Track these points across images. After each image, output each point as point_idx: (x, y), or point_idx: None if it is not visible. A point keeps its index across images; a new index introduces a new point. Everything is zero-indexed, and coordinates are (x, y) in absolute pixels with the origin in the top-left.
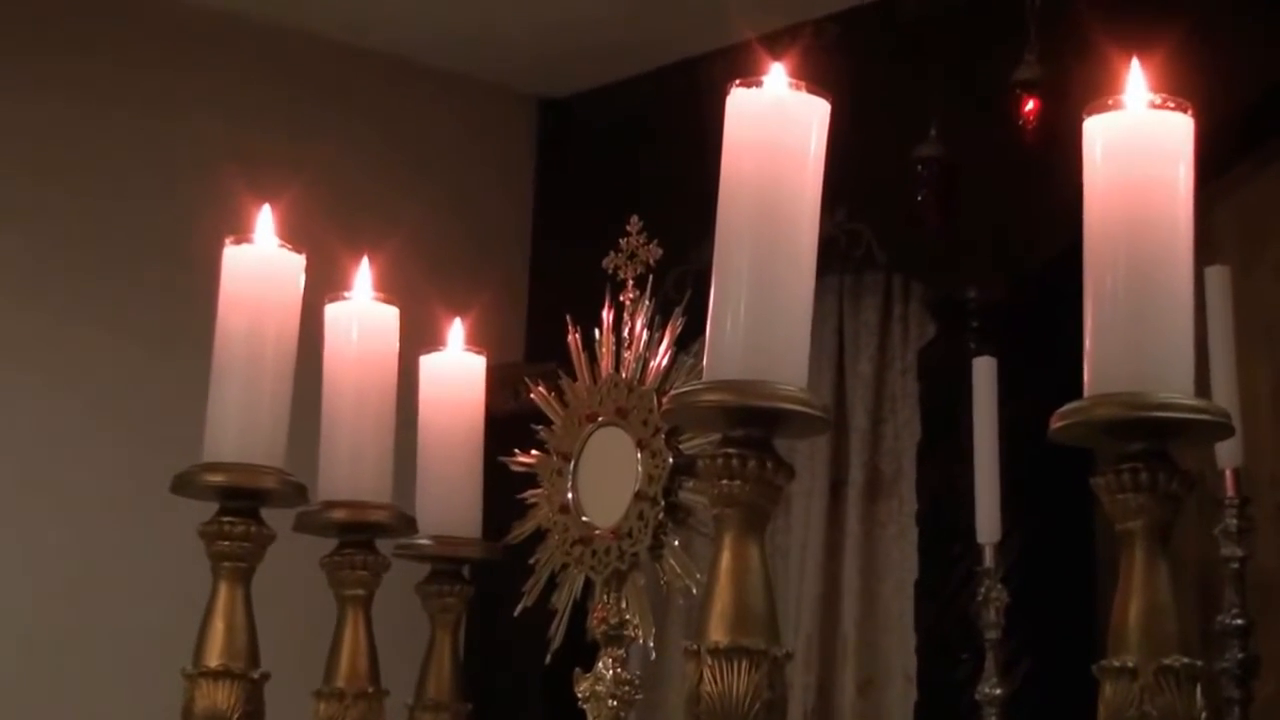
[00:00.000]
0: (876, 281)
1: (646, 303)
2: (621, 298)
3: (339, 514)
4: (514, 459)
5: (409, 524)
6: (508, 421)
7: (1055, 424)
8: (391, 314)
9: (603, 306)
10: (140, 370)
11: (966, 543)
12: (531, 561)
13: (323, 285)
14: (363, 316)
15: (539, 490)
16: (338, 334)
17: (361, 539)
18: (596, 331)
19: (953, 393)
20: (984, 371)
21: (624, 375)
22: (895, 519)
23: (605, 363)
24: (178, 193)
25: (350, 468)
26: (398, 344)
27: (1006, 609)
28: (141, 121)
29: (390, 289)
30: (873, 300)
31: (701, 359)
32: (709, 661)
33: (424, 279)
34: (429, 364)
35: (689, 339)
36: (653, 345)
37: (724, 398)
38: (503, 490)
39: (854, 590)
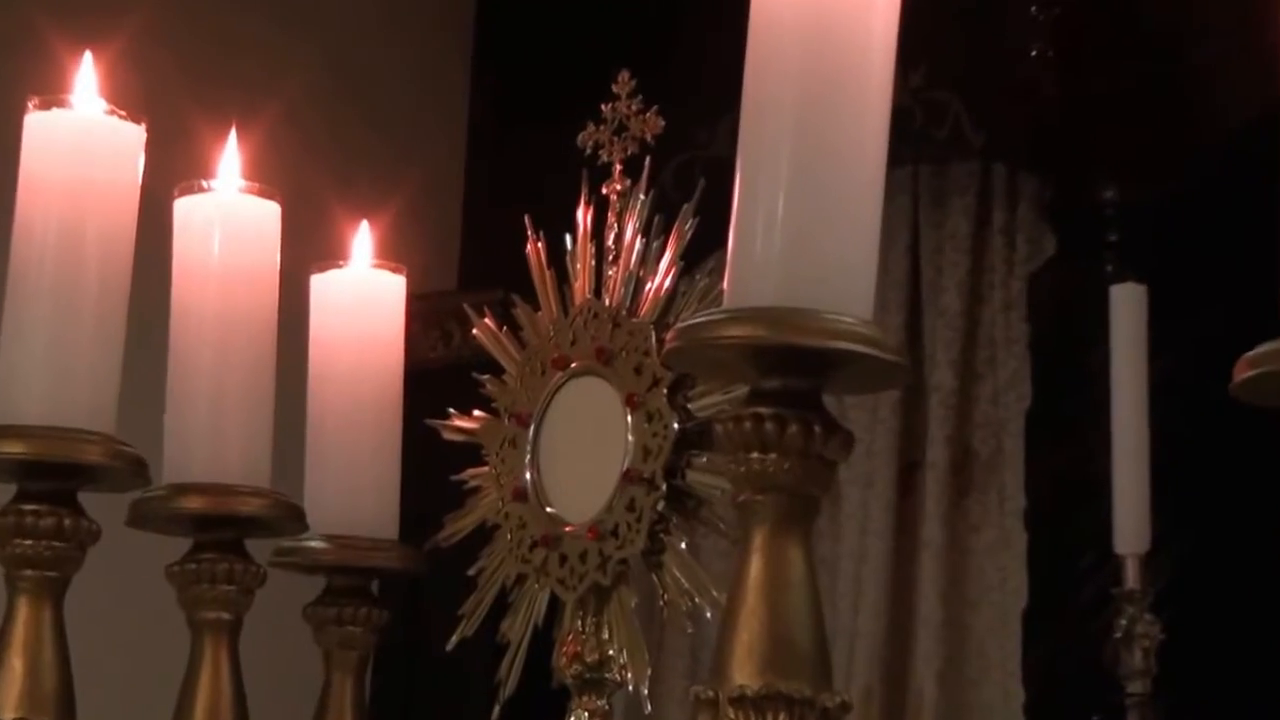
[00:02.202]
0: (969, 175)
1: (642, 198)
2: (605, 190)
3: (194, 502)
4: (448, 423)
5: (295, 518)
6: (439, 372)
7: (1241, 375)
8: (270, 213)
9: (576, 204)
10: None
11: (1099, 554)
12: (472, 573)
13: (172, 171)
14: (229, 216)
15: (483, 469)
16: (193, 241)
17: (226, 539)
18: (568, 239)
19: (1079, 337)
20: (1128, 305)
21: (608, 303)
22: (994, 519)
23: (581, 285)
24: None
25: (210, 436)
26: (279, 256)
27: (1159, 649)
28: None
29: (269, 178)
30: (963, 202)
31: (720, 279)
32: (732, 714)
33: (317, 165)
34: (324, 286)
35: (702, 251)
36: (650, 260)
37: (754, 333)
38: (430, 470)
39: (933, 623)
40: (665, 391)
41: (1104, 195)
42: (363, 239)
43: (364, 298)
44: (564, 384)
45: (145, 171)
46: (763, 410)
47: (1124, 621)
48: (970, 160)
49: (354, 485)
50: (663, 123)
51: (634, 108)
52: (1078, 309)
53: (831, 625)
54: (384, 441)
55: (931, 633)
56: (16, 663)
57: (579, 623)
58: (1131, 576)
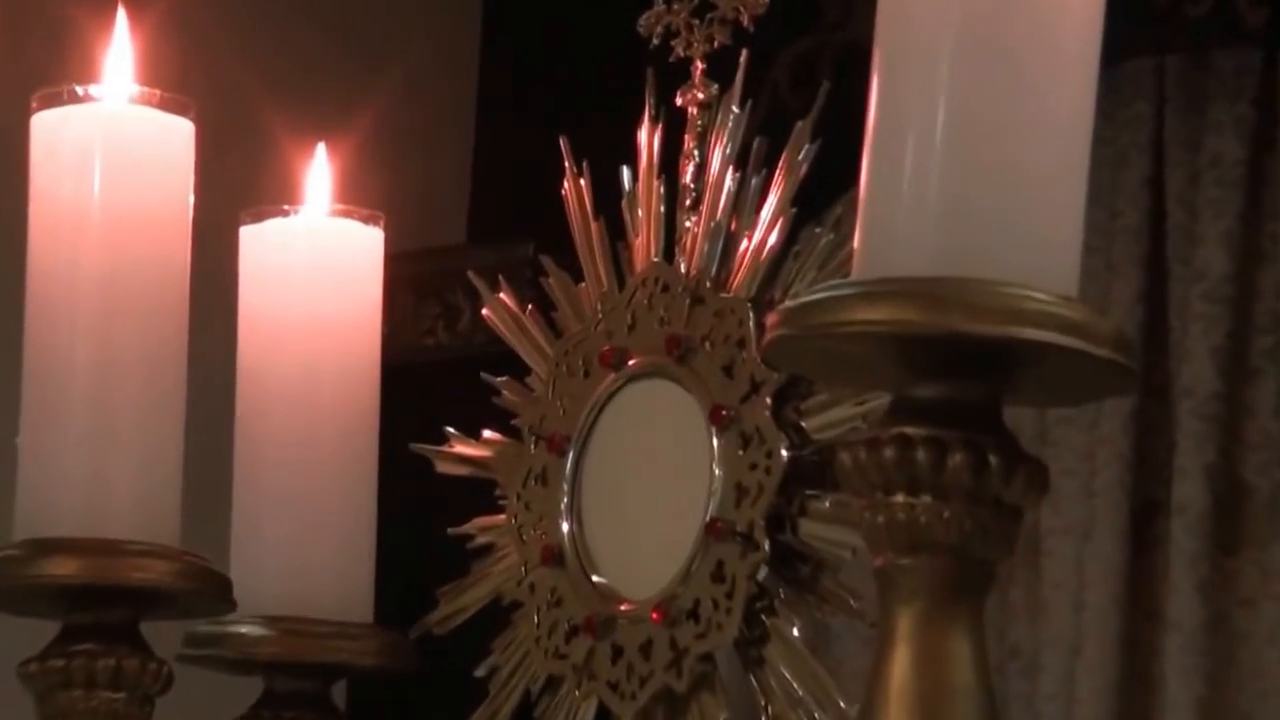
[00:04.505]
0: (1242, 71)
1: (735, 112)
2: (680, 100)
3: (62, 566)
4: (445, 449)
5: (215, 591)
6: (436, 369)
7: None
8: (179, 134)
9: (638, 121)
10: None
11: None
12: (482, 673)
13: (35, 74)
14: (118, 138)
15: (499, 518)
16: (62, 174)
17: (112, 621)
18: (624, 174)
19: None
20: None
21: (686, 269)
22: (1277, 589)
23: (644, 241)
24: None
25: (87, 469)
26: (193, 197)
27: None
28: None
29: (177, 84)
30: (1231, 114)
31: (850, 234)
32: None
33: (248, 65)
34: (260, 242)
35: (826, 192)
36: (748, 205)
37: (899, 315)
38: (421, 519)
39: None
40: (769, 402)
41: None
42: (319, 173)
43: (321, 259)
44: (618, 391)
45: None
46: (912, 431)
47: None
48: (1245, 49)
49: (305, 542)
50: (765, 1)
51: None
52: None
53: None
54: (351, 476)
55: None
56: None
57: None
58: None
